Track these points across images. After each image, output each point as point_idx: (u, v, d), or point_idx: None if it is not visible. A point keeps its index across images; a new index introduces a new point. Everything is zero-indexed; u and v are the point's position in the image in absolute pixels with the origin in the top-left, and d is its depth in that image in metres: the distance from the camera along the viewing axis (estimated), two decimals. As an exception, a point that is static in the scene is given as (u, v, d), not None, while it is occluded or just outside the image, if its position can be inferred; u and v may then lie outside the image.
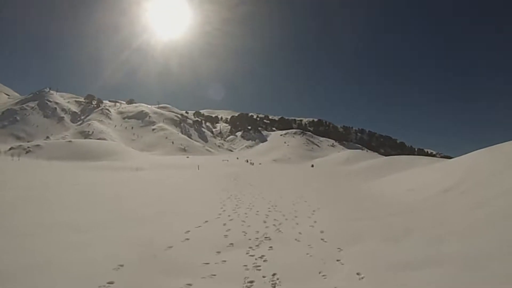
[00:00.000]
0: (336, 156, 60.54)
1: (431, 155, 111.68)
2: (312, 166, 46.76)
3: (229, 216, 6.96)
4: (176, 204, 8.56)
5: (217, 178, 18.76)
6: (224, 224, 6.12)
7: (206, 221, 6.29)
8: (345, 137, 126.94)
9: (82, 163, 29.49)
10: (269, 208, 8.09)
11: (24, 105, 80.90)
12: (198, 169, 28.19)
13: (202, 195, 10.75)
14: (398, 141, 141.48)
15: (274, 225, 6.18)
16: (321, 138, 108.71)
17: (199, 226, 5.86)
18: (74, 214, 6.39)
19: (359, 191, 12.89)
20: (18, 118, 74.49)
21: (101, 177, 16.39)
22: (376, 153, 78.19)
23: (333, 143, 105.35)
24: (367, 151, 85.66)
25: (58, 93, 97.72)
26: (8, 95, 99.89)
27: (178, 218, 6.58)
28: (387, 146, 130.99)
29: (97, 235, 4.93)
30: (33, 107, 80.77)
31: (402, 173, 16.04)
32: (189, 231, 5.43)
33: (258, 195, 10.78)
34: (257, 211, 7.59)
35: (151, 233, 5.21)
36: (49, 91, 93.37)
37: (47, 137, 65.73)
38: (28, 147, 43.51)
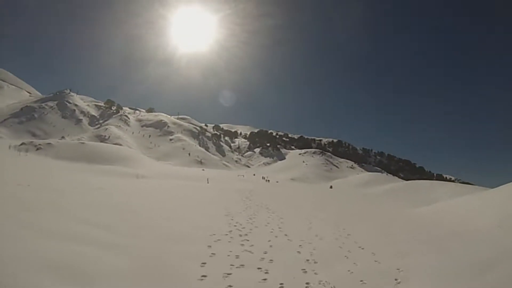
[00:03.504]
0: (355, 178, 58.13)
1: (450, 180, 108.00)
2: (331, 187, 43.55)
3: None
4: (129, 243, 4.70)
5: (226, 195, 15.07)
6: None
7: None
8: (364, 160, 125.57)
9: (87, 166, 27.56)
10: (304, 270, 4.37)
11: (43, 104, 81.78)
12: (208, 182, 25.53)
13: (186, 225, 6.60)
14: (417, 166, 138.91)
15: None
16: (340, 159, 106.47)
17: None
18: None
19: (418, 222, 9.20)
20: (36, 115, 75.04)
21: (85, 182, 13.21)
22: (396, 177, 74.93)
23: (352, 165, 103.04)
24: (386, 174, 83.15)
25: (78, 95, 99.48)
26: (30, 93, 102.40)
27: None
28: (407, 171, 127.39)
29: None
30: (52, 107, 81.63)
31: (456, 200, 12.57)
32: None
33: (278, 230, 7.15)
34: (281, 285, 3.73)
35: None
36: (69, 93, 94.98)
37: (62, 137, 65.49)
38: (39, 144, 42.38)
